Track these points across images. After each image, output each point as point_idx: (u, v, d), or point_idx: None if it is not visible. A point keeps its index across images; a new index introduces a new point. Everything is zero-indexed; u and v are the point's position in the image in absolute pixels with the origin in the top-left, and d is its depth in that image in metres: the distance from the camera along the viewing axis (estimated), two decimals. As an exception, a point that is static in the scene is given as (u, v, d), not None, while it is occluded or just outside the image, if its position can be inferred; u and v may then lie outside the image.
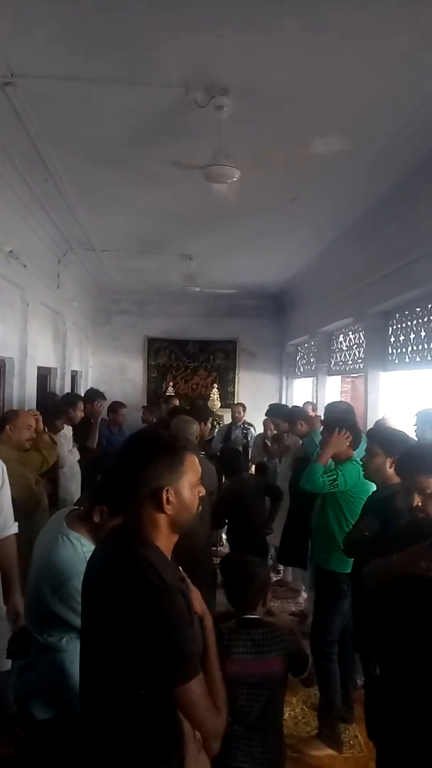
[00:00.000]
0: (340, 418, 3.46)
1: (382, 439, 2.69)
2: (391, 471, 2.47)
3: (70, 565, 1.83)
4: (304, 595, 5.17)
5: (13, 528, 2.78)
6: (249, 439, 6.94)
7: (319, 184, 4.30)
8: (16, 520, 3.07)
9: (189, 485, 1.42)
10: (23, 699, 1.96)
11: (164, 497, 1.36)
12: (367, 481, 2.84)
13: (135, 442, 1.48)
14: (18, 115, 3.22)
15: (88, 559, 1.54)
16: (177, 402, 7.13)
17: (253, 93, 2.98)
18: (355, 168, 3.92)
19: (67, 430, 4.75)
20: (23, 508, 3.10)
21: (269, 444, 6.01)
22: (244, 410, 7.41)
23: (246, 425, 7.27)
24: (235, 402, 8.45)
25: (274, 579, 5.60)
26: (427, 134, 3.35)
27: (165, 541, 1.41)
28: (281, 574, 5.73)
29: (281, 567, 5.78)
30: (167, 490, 1.37)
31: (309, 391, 8.21)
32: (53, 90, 3.00)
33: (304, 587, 5.12)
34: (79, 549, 1.88)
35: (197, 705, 1.24)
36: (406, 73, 2.75)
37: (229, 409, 8.00)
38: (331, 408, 4.42)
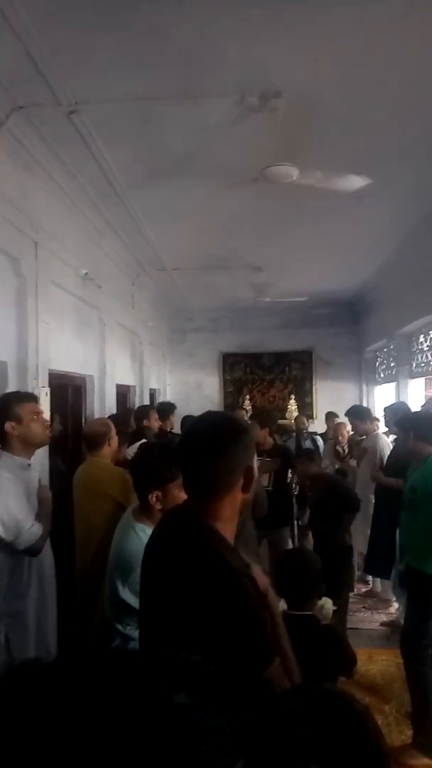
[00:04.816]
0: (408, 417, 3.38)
1: None
2: None
3: (135, 555, 1.84)
4: (396, 605, 4.95)
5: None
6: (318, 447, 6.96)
7: (383, 180, 4.21)
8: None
9: None
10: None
11: (253, 476, 1.34)
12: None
13: (211, 428, 1.34)
14: (85, 142, 3.41)
15: None
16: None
17: (307, 93, 2.99)
18: (419, 159, 3.82)
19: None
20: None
21: (341, 451, 5.90)
22: (308, 420, 7.67)
23: (314, 435, 7.36)
24: (324, 413, 8.54)
25: (363, 590, 5.42)
26: None
27: (232, 524, 1.36)
28: (370, 584, 5.53)
29: (369, 577, 5.58)
30: (250, 468, 1.33)
31: (392, 397, 7.94)
32: (115, 113, 3.15)
33: (395, 597, 4.91)
34: (144, 539, 1.90)
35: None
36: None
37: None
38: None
